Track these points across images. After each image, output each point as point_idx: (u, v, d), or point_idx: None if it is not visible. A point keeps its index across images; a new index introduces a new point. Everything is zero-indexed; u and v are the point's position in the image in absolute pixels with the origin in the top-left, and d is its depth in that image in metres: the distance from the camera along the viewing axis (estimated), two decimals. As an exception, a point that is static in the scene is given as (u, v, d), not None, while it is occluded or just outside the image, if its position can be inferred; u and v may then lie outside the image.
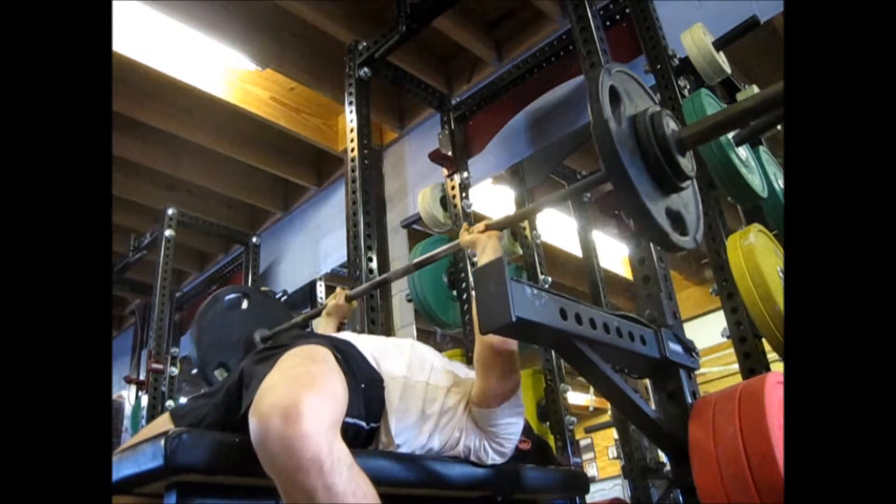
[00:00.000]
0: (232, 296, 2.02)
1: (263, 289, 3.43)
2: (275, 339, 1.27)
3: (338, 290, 1.91)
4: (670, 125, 1.01)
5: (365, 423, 1.15)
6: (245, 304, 2.03)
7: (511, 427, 1.31)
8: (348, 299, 1.87)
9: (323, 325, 1.84)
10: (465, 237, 1.57)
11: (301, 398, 0.89)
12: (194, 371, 1.92)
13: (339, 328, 1.86)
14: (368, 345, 1.28)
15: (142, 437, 1.01)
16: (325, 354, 1.10)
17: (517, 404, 1.31)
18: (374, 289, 1.95)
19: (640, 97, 1.09)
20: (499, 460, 1.32)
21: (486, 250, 1.48)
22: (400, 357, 1.30)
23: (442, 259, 2.52)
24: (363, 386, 1.16)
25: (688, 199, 1.12)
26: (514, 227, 2.78)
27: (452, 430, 1.27)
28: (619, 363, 1.21)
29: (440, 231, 2.66)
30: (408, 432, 1.22)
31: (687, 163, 1.01)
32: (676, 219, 1.02)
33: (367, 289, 1.92)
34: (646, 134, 0.98)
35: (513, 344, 1.24)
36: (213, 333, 1.88)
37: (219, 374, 1.83)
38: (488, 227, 1.53)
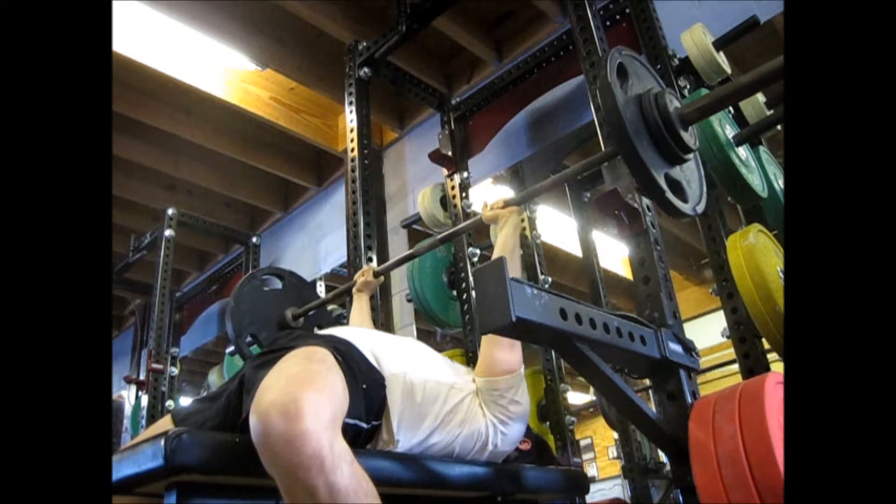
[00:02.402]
0: (268, 274, 2.15)
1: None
2: (275, 343, 1.28)
3: (365, 266, 2.01)
4: (673, 102, 1.10)
5: (365, 424, 1.15)
6: (280, 285, 2.14)
7: (515, 406, 1.34)
8: (376, 275, 1.94)
9: (355, 300, 1.93)
10: (487, 213, 1.64)
11: (301, 395, 0.89)
12: (229, 347, 2.08)
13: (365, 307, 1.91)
14: (368, 342, 1.28)
15: (142, 439, 1.01)
16: (324, 355, 1.10)
17: (522, 390, 1.36)
18: (400, 264, 2.00)
19: (648, 79, 1.18)
20: (500, 447, 1.32)
21: (507, 227, 1.58)
22: (400, 355, 1.30)
23: (440, 259, 2.54)
24: (364, 386, 1.16)
25: (691, 174, 1.20)
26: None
27: (454, 428, 1.28)
28: (619, 363, 1.21)
29: (440, 231, 2.65)
30: (409, 430, 1.22)
31: (689, 137, 1.09)
32: (676, 187, 1.10)
33: (394, 264, 1.97)
34: (650, 108, 1.07)
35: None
36: (248, 305, 2.00)
37: (251, 351, 1.92)
38: (507, 203, 1.61)
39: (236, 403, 1.15)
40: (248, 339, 1.95)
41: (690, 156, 1.14)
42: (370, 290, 1.95)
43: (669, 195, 1.05)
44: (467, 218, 2.48)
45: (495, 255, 1.47)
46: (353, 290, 1.94)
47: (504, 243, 1.56)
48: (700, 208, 1.17)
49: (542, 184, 1.54)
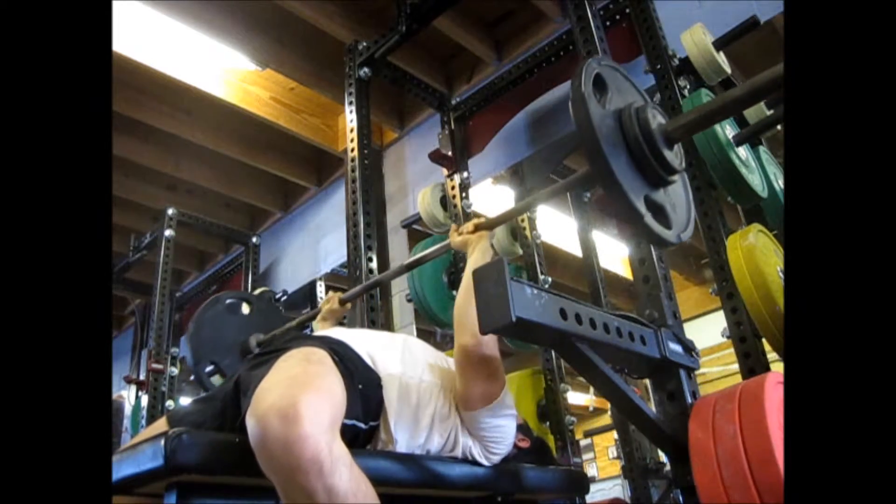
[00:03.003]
0: (233, 299, 2.01)
1: (264, 288, 3.43)
2: (270, 344, 1.27)
3: (331, 293, 1.91)
4: (657, 118, 1.00)
5: (363, 424, 1.15)
6: (246, 310, 2.02)
7: (500, 430, 1.30)
8: (342, 302, 1.87)
9: (319, 330, 1.83)
10: (455, 238, 1.55)
11: (299, 399, 0.89)
12: (191, 374, 1.89)
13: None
14: (363, 343, 1.27)
15: (138, 440, 1.01)
16: (322, 356, 1.10)
17: (504, 406, 1.29)
18: (366, 291, 1.96)
19: (630, 93, 1.08)
20: (494, 460, 1.31)
21: (476, 252, 1.46)
22: (395, 354, 1.30)
23: (440, 258, 2.53)
24: (361, 387, 1.15)
25: (676, 198, 1.10)
26: (513, 226, 2.78)
27: (450, 429, 1.27)
28: (619, 363, 1.21)
29: (440, 231, 2.66)
30: (406, 430, 1.22)
31: (673, 156, 0.99)
32: (658, 211, 1.00)
33: (359, 291, 1.92)
34: (630, 124, 0.97)
35: (489, 348, 1.24)
36: (209, 332, 1.89)
37: (216, 381, 1.83)
38: (478, 227, 1.51)
39: (233, 406, 1.13)
40: (209, 367, 1.83)
41: (676, 177, 1.03)
42: (335, 319, 1.87)
43: (649, 220, 0.94)
44: (467, 218, 2.48)
45: (464, 283, 1.35)
46: (318, 317, 1.88)
47: (473, 268, 1.45)
48: (686, 235, 1.06)
49: (514, 208, 1.52)
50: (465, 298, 1.30)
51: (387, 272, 1.90)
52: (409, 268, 1.79)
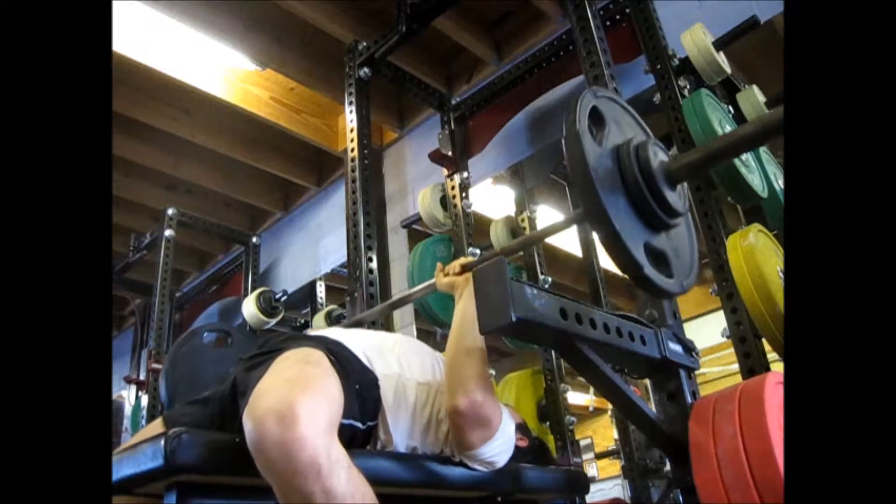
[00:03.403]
0: (212, 331, 1.89)
1: (263, 288, 3.42)
2: (265, 344, 1.24)
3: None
4: (658, 155, 0.92)
5: (361, 424, 1.14)
6: (227, 342, 1.90)
7: (499, 455, 1.26)
8: None
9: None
10: (441, 280, 1.46)
11: (297, 401, 0.88)
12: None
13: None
14: (360, 343, 1.27)
15: (134, 442, 1.01)
16: (319, 357, 1.09)
17: (499, 436, 1.23)
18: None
19: (631, 128, 1.00)
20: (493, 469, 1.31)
21: (464, 296, 1.35)
22: (391, 354, 1.29)
23: (440, 257, 2.53)
24: (358, 387, 1.15)
25: (679, 242, 1.01)
26: (512, 227, 2.78)
27: (448, 431, 1.27)
28: (619, 363, 1.21)
29: (440, 231, 2.66)
30: (404, 430, 1.22)
31: (676, 197, 0.92)
32: (659, 259, 0.93)
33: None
34: (629, 163, 0.89)
35: (484, 406, 1.18)
36: (186, 369, 1.76)
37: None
38: (465, 269, 1.42)
39: (231, 407, 1.12)
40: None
41: (679, 220, 0.94)
42: None
43: (648, 271, 0.87)
44: (467, 218, 2.48)
45: (453, 333, 1.28)
46: None
47: (462, 320, 1.29)
48: (689, 283, 0.98)
49: (504, 248, 1.47)
50: (455, 351, 1.24)
51: (370, 311, 1.87)
52: (392, 307, 1.74)
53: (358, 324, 1.84)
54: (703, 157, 0.93)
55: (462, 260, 1.46)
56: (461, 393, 1.18)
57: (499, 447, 1.25)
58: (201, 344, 1.85)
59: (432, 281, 1.51)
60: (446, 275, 1.46)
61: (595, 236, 2.95)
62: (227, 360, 1.85)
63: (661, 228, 0.93)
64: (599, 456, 5.31)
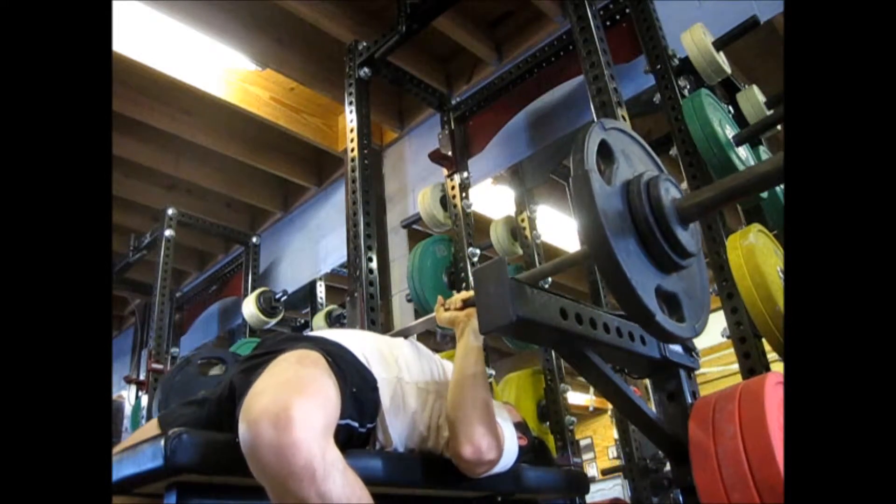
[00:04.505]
0: (206, 360, 1.85)
1: (264, 289, 3.43)
2: (262, 345, 1.23)
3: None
4: (670, 192, 0.88)
5: (359, 425, 1.14)
6: (218, 370, 1.85)
7: (500, 469, 1.27)
8: None
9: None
10: (441, 315, 1.42)
11: (292, 403, 0.87)
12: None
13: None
14: (360, 345, 1.26)
15: (130, 443, 1.01)
16: (315, 358, 1.08)
17: (503, 462, 1.25)
18: None
19: (642, 161, 0.97)
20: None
21: (465, 333, 1.32)
22: (391, 357, 1.29)
23: (440, 257, 2.53)
24: (355, 389, 1.14)
25: (691, 283, 0.97)
26: (513, 226, 2.78)
27: (446, 434, 1.27)
28: (619, 363, 1.21)
29: (440, 231, 2.66)
30: (404, 433, 1.22)
31: (689, 237, 0.88)
32: (671, 302, 0.89)
33: None
34: (639, 201, 0.85)
35: (489, 454, 1.19)
36: (178, 396, 1.71)
37: None
38: (466, 304, 1.38)
39: (228, 409, 1.11)
40: None
41: (691, 260, 0.90)
42: None
43: (660, 318, 0.82)
44: (467, 218, 2.48)
45: (455, 377, 1.26)
46: None
47: (464, 362, 1.27)
48: (701, 327, 0.94)
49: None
50: (458, 396, 1.22)
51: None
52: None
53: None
54: (718, 195, 0.89)
55: (463, 294, 1.42)
56: (466, 442, 1.18)
57: (500, 468, 1.26)
58: (195, 373, 1.80)
59: (432, 315, 1.48)
60: (447, 309, 1.41)
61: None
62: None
63: (672, 270, 0.89)
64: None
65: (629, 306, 0.81)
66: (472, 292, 1.38)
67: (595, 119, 1.63)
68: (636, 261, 0.83)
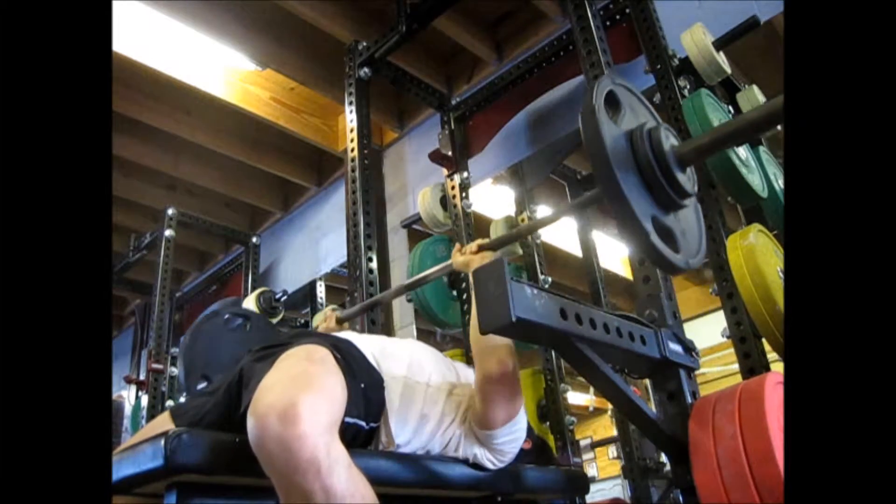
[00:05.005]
0: (233, 314, 1.97)
1: (264, 289, 3.42)
2: (274, 338, 1.26)
3: (327, 310, 1.86)
4: (670, 139, 0.96)
5: (364, 423, 1.15)
6: (245, 327, 1.97)
7: (512, 443, 1.30)
8: (339, 321, 1.82)
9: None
10: (458, 258, 1.52)
11: (299, 399, 0.89)
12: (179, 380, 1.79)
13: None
14: (369, 345, 1.27)
15: (142, 437, 1.01)
16: (324, 354, 1.09)
17: (519, 420, 1.30)
18: (365, 311, 1.93)
19: (643, 114, 1.04)
20: (499, 466, 1.31)
21: None
22: (401, 357, 1.30)
23: (440, 258, 2.53)
24: (363, 386, 1.15)
25: (687, 224, 1.05)
26: (513, 226, 2.78)
27: (452, 434, 1.27)
28: (619, 363, 1.21)
29: (440, 231, 2.66)
30: (408, 433, 1.22)
31: (686, 179, 0.96)
32: (666, 234, 0.96)
33: (358, 311, 1.90)
34: (642, 145, 0.93)
35: (514, 373, 1.24)
36: (205, 344, 1.84)
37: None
38: (481, 248, 1.49)
39: (236, 396, 1.14)
40: (202, 383, 1.78)
41: (688, 201, 0.99)
42: None
43: (654, 239, 0.89)
44: (467, 218, 2.48)
45: (474, 309, 1.36)
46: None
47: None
48: (695, 262, 1.01)
49: (519, 228, 1.49)
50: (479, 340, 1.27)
51: (386, 291, 1.89)
52: (408, 288, 1.78)
53: (375, 304, 1.85)
54: (713, 140, 0.96)
55: (479, 241, 1.50)
56: (495, 361, 1.21)
57: (515, 433, 1.29)
58: (222, 324, 1.92)
59: (449, 262, 1.57)
60: (463, 254, 1.50)
61: (593, 239, 2.95)
62: (243, 343, 1.91)
63: (670, 208, 0.96)
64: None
65: (628, 226, 0.88)
66: (487, 239, 1.51)
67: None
68: (637, 193, 0.90)
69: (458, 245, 1.56)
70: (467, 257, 1.50)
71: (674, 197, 0.94)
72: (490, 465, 1.29)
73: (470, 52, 2.86)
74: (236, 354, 1.77)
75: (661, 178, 0.92)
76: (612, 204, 0.88)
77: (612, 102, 0.97)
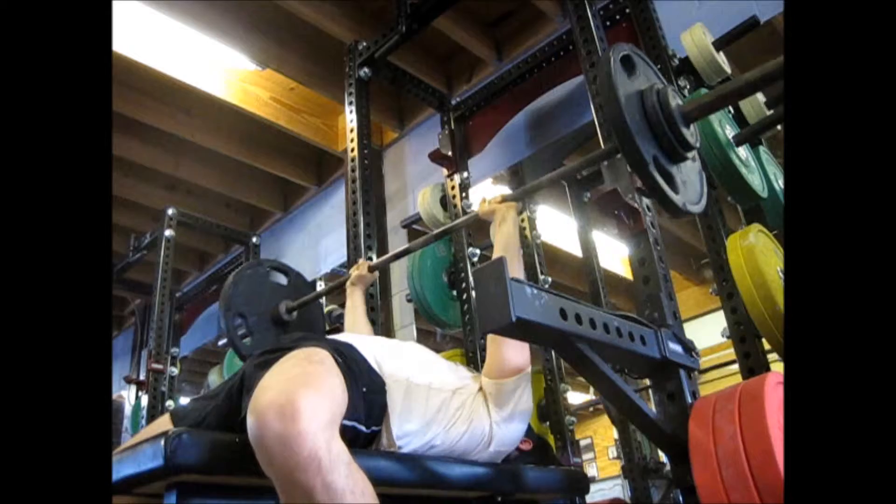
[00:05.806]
0: (274, 268, 2.13)
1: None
2: (277, 343, 1.28)
3: (361, 260, 1.98)
4: (676, 98, 1.07)
5: (364, 427, 1.15)
6: (283, 281, 2.13)
7: (521, 405, 1.37)
8: (371, 269, 1.93)
9: (349, 296, 1.91)
10: (483, 207, 1.60)
11: (298, 396, 0.89)
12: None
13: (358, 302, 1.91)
14: (371, 348, 1.27)
15: (141, 438, 1.01)
16: (323, 356, 1.10)
17: (527, 388, 1.37)
18: (396, 258, 1.97)
19: (651, 77, 1.15)
20: (503, 447, 1.33)
21: (506, 220, 1.54)
22: (403, 360, 1.30)
23: (440, 259, 2.53)
24: (364, 389, 1.15)
25: (689, 176, 1.16)
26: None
27: (457, 429, 1.27)
28: (619, 363, 1.21)
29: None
30: (410, 435, 1.22)
31: (690, 134, 1.07)
32: (668, 177, 1.06)
33: (388, 259, 1.96)
34: (652, 103, 1.04)
35: None
36: (246, 287, 2.00)
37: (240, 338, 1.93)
38: (505, 199, 1.57)
39: (237, 400, 1.15)
40: (238, 320, 1.93)
41: (692, 154, 1.11)
42: (364, 285, 1.93)
43: (652, 169, 0.99)
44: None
45: (496, 254, 1.44)
46: (347, 283, 1.92)
47: (505, 242, 1.51)
48: (696, 209, 1.12)
49: (542, 180, 1.51)
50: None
51: (417, 241, 1.90)
52: (437, 237, 1.82)
53: (404, 253, 1.91)
54: (714, 99, 1.07)
55: (502, 193, 1.60)
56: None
57: (520, 394, 1.36)
58: (264, 273, 2.08)
59: (475, 212, 1.64)
60: (489, 204, 1.59)
61: (593, 239, 2.95)
62: (280, 294, 2.07)
63: (674, 158, 1.07)
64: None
65: (630, 154, 0.98)
66: (509, 192, 1.59)
67: (595, 118, 1.64)
68: (643, 137, 1.00)
69: (483, 197, 1.63)
70: (492, 206, 1.58)
71: (677, 147, 1.05)
72: (499, 437, 1.32)
73: (470, 52, 2.86)
74: (272, 302, 2.01)
75: (667, 128, 1.03)
76: (621, 144, 0.99)
77: (629, 65, 1.08)
